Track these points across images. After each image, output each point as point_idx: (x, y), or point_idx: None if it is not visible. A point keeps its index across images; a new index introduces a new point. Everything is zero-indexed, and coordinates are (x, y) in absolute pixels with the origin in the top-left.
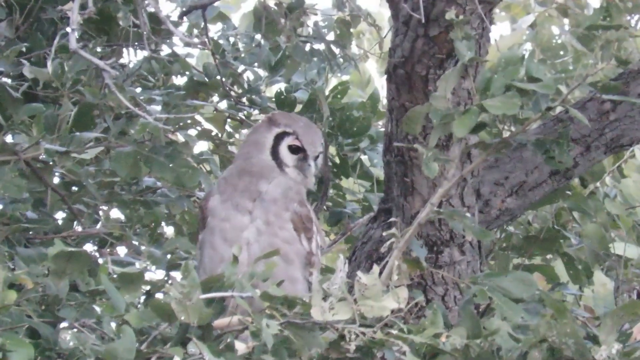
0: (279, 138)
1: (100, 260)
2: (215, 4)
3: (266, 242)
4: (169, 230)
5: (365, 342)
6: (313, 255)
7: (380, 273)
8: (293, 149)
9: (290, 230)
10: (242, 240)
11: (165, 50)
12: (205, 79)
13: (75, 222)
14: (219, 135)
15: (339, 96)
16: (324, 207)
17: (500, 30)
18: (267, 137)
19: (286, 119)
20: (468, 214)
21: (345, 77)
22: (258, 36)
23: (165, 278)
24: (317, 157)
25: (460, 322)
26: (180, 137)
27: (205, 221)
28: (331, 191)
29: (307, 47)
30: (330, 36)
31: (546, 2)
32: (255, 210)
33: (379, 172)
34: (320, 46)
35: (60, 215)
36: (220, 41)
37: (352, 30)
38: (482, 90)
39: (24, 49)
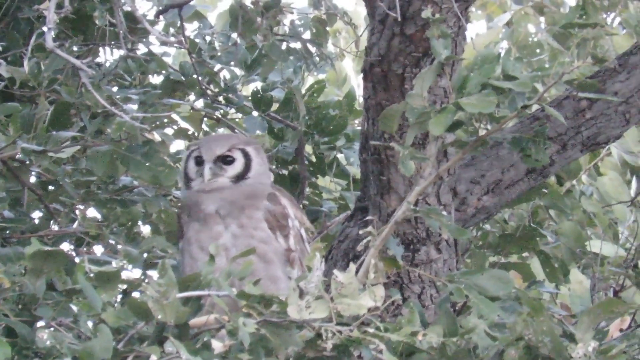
0: (189, 158)
1: (77, 259)
2: (192, 2)
3: (243, 245)
4: (145, 229)
5: (342, 340)
6: (292, 252)
7: (357, 271)
8: (197, 161)
9: (265, 229)
10: (219, 247)
11: (141, 49)
12: (182, 77)
13: (52, 221)
14: (196, 134)
15: (315, 95)
16: (301, 205)
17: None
18: (186, 163)
19: (199, 140)
20: (444, 212)
21: (321, 76)
22: (234, 35)
23: (142, 277)
24: (219, 159)
25: (436, 320)
26: (156, 136)
27: (182, 230)
28: (308, 190)
29: (284, 46)
30: (307, 35)
31: (522, 1)
32: (227, 217)
33: (355, 171)
34: (297, 45)
35: (37, 215)
36: (197, 40)
37: (328, 28)
38: (458, 89)
39: (0, 48)
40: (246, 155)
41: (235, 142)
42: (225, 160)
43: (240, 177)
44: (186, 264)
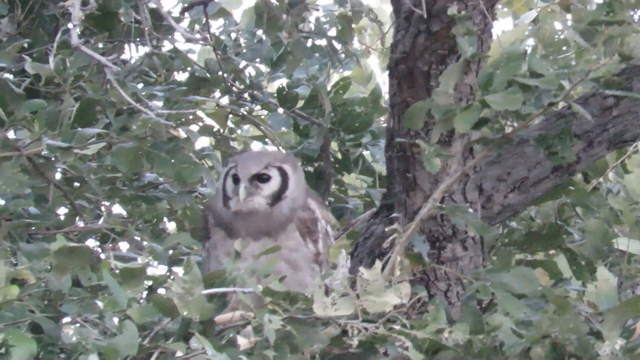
0: (227, 175)
1: (102, 256)
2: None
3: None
4: (170, 226)
5: (367, 337)
6: (320, 255)
7: (383, 269)
8: (234, 179)
9: (296, 237)
10: (246, 253)
11: (166, 46)
12: (207, 74)
13: (77, 218)
14: (221, 131)
15: (340, 92)
16: (326, 202)
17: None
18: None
19: (234, 156)
20: (470, 210)
21: (347, 73)
22: (260, 32)
23: (167, 273)
24: (255, 177)
25: (462, 317)
26: (181, 133)
27: (209, 232)
28: (333, 187)
29: (309, 43)
30: (332, 32)
31: None
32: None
33: (381, 168)
34: (322, 42)
35: (62, 211)
36: (222, 37)
37: (353, 25)
38: (484, 86)
39: (25, 45)
40: (283, 174)
41: (272, 160)
42: (261, 178)
43: (276, 197)
44: (212, 267)
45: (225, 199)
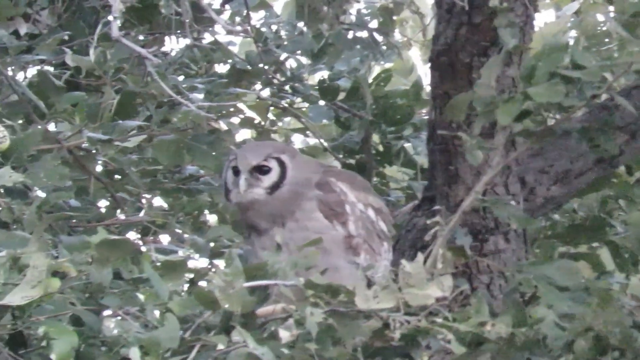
0: (227, 168)
1: (144, 248)
2: None
3: (300, 238)
4: (211, 219)
5: (409, 330)
6: (354, 238)
7: (425, 261)
8: (234, 171)
9: (319, 219)
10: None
11: (207, 39)
12: (248, 67)
13: (118, 210)
14: (262, 123)
15: (382, 84)
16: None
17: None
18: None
19: (236, 149)
20: (513, 202)
21: (388, 65)
22: (300, 24)
23: (209, 266)
24: (255, 169)
25: (505, 310)
26: (222, 125)
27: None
28: (374, 179)
29: (350, 35)
30: (373, 24)
31: None
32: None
33: (422, 160)
34: (363, 34)
35: (103, 204)
36: (263, 29)
37: (395, 17)
38: (526, 78)
39: (66, 38)
40: (281, 163)
41: (271, 151)
42: (261, 170)
43: (275, 187)
44: (252, 262)
45: (227, 192)
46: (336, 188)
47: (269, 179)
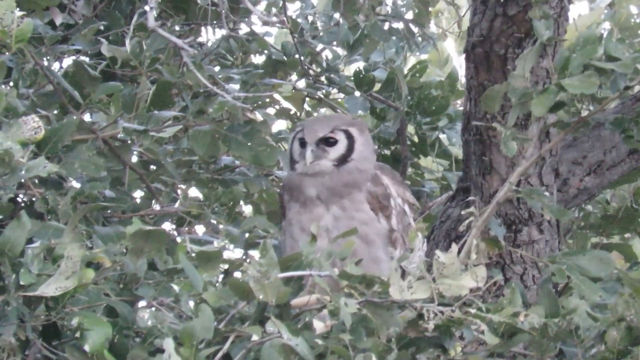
0: (294, 140)
1: (178, 239)
2: None
3: (344, 227)
4: (247, 209)
5: (443, 321)
6: (394, 232)
7: (459, 252)
8: (301, 143)
9: (367, 211)
10: (320, 229)
11: (243, 29)
12: (284, 57)
13: (153, 201)
14: (297, 114)
15: (417, 75)
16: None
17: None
18: (291, 145)
19: (303, 121)
20: (546, 193)
21: (423, 56)
22: (336, 15)
23: (243, 257)
24: (321, 141)
25: (538, 300)
26: (258, 116)
27: (284, 211)
28: (409, 170)
29: (386, 26)
30: (409, 15)
31: None
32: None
33: (457, 151)
34: (399, 25)
35: (138, 194)
36: (299, 20)
37: (430, 9)
38: (560, 70)
39: (102, 28)
40: (349, 137)
41: (338, 123)
42: (327, 142)
43: (342, 160)
44: (287, 245)
45: (293, 163)
46: (383, 181)
47: (335, 151)
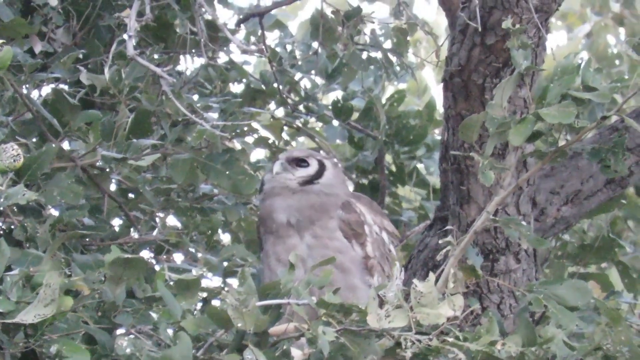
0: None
1: (157, 267)
2: (273, 11)
3: (318, 255)
4: (225, 238)
5: (421, 349)
6: (370, 259)
7: (436, 281)
8: (275, 159)
9: (340, 238)
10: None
11: (222, 58)
12: (262, 86)
13: (132, 229)
14: (276, 142)
15: (395, 104)
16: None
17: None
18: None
19: None
20: (524, 222)
21: (402, 86)
22: (315, 44)
23: (222, 285)
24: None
25: (515, 329)
26: (237, 145)
27: (261, 242)
28: (387, 199)
29: (364, 55)
30: (387, 44)
31: (602, 12)
32: (300, 229)
33: (435, 180)
34: (377, 54)
35: (117, 222)
36: (278, 49)
37: (409, 38)
38: (538, 99)
39: (81, 56)
40: (321, 165)
41: (315, 154)
42: (299, 163)
43: (308, 182)
44: (265, 276)
45: (262, 183)
46: (357, 209)
47: (304, 172)
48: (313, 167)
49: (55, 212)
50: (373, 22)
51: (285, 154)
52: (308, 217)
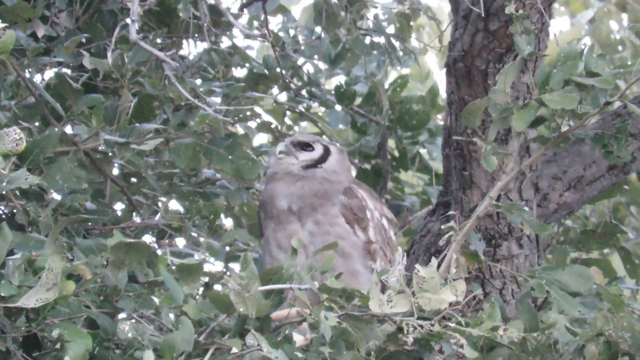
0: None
1: (159, 252)
2: None
3: (320, 242)
4: (227, 222)
5: (423, 334)
6: (373, 244)
7: (439, 266)
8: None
9: (342, 224)
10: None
11: (225, 43)
12: (265, 71)
13: (134, 213)
14: (279, 127)
15: (398, 89)
16: (383, 200)
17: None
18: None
19: None
20: (526, 208)
21: (404, 71)
22: (318, 29)
23: (224, 270)
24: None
25: (517, 315)
26: (239, 129)
27: (262, 229)
28: (390, 184)
29: (367, 40)
30: (390, 29)
31: None
32: (301, 215)
33: (437, 166)
34: (380, 39)
35: (119, 206)
36: (281, 34)
37: (412, 23)
38: (541, 85)
39: (84, 40)
40: (326, 150)
41: (321, 139)
42: (304, 147)
43: (311, 165)
44: (267, 263)
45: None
46: (358, 194)
47: (307, 156)
48: (318, 152)
49: (57, 197)
50: (376, 7)
51: (291, 138)
52: (310, 204)
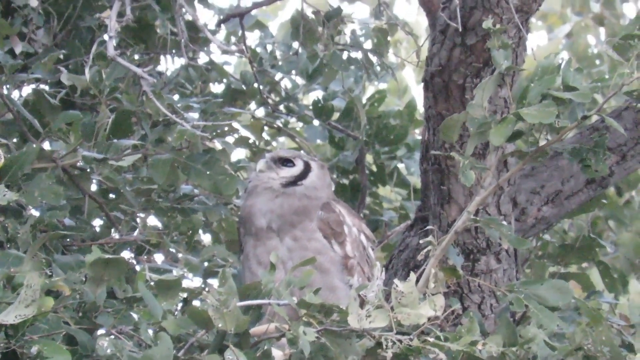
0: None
1: (138, 268)
2: (253, 12)
3: (298, 257)
4: (206, 238)
5: (402, 349)
6: (350, 259)
7: (417, 281)
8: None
9: (319, 239)
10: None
11: (202, 58)
12: (243, 86)
13: (112, 230)
14: (257, 142)
15: (376, 104)
16: (361, 215)
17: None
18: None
19: None
20: (504, 222)
21: (382, 86)
22: (295, 44)
23: (203, 285)
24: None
25: (496, 329)
26: (217, 145)
27: (242, 245)
28: (368, 199)
29: (345, 56)
30: (368, 44)
31: (582, 12)
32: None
33: (415, 180)
34: (358, 54)
35: (97, 223)
36: (258, 49)
37: (389, 38)
38: (518, 99)
39: (61, 57)
40: (307, 167)
41: (302, 155)
42: (284, 163)
43: (292, 183)
44: (246, 278)
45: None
46: (336, 209)
47: (288, 172)
48: (298, 168)
49: (36, 213)
50: (353, 23)
51: (272, 153)
52: (289, 222)
